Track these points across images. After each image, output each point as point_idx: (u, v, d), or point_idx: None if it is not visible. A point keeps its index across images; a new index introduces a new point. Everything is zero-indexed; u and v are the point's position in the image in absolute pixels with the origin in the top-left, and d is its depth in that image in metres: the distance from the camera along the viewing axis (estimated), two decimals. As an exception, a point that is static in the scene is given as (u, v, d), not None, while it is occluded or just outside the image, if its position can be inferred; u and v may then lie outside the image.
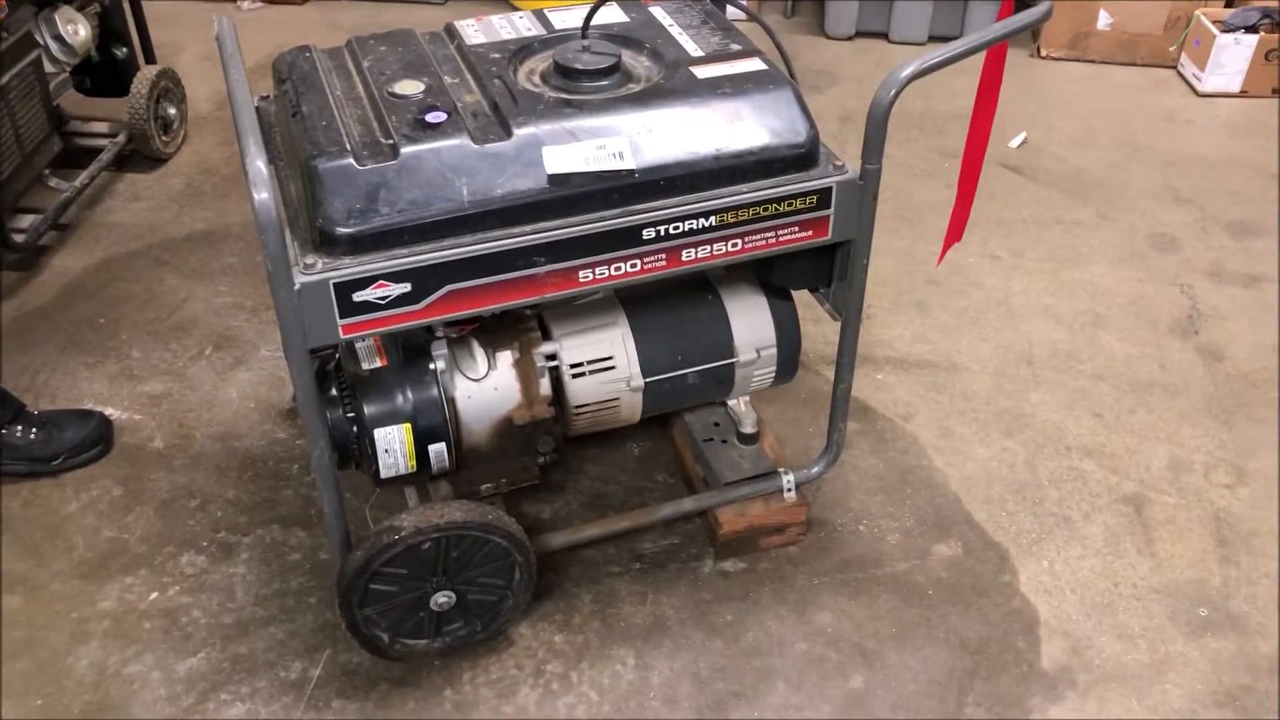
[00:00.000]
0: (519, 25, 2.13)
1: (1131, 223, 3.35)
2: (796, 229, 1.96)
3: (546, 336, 2.16)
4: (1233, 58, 3.86)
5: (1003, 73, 2.23)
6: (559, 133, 1.83)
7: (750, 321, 2.22)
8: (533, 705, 2.06)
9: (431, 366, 2.06)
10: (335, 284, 1.73)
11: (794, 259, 2.04)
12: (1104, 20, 4.04)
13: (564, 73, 1.95)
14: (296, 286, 1.70)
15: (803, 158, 1.93)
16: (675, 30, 2.10)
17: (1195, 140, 3.77)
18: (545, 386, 2.13)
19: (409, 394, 2.05)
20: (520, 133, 1.81)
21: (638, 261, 1.89)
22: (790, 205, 1.93)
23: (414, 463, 2.09)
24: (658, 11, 2.17)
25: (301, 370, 1.79)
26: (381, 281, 1.76)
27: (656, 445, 2.58)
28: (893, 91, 1.86)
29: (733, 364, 2.23)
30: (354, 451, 2.08)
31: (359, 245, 1.74)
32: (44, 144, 3.20)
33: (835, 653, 2.15)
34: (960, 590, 2.27)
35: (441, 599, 2.05)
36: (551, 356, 2.13)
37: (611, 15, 2.15)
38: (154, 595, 2.25)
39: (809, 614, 2.22)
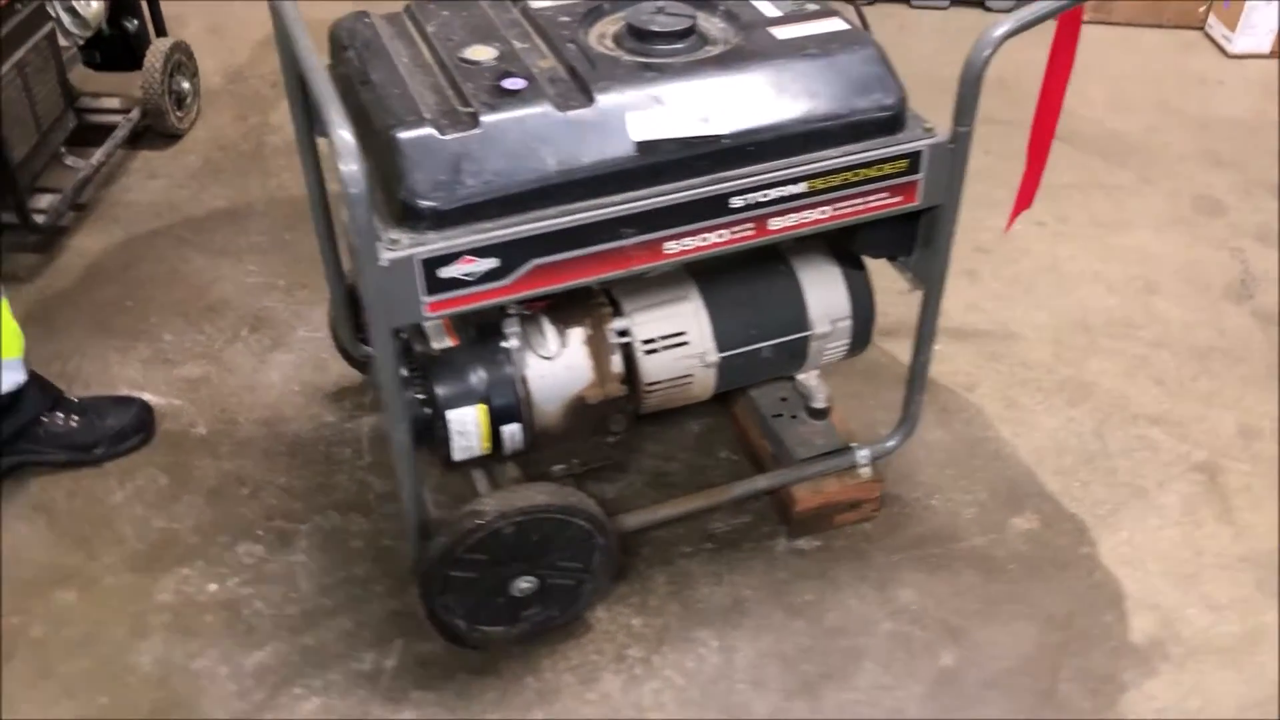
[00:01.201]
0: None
1: (1173, 186, 3.30)
2: (886, 194, 1.89)
3: (617, 312, 2.08)
4: (1264, 18, 3.81)
5: (1078, 35, 2.16)
6: (643, 98, 1.75)
7: (824, 292, 2.16)
8: (617, 691, 2.00)
9: (505, 345, 1.99)
10: (422, 260, 1.65)
11: (876, 226, 1.97)
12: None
13: (639, 35, 1.87)
14: (383, 263, 1.62)
15: (891, 120, 1.86)
16: (757, -11, 2.02)
17: (1229, 102, 3.72)
18: (617, 363, 2.06)
19: (483, 374, 1.97)
20: (603, 99, 1.73)
21: (725, 231, 1.82)
22: (880, 170, 1.86)
23: (488, 444, 2.02)
24: (728, -29, 2.08)
25: (385, 351, 1.71)
26: (468, 257, 1.68)
27: (716, 422, 2.52)
28: (986, 52, 1.80)
29: (807, 337, 2.16)
30: (425, 434, 2.01)
31: (444, 219, 1.66)
32: (59, 121, 3.08)
33: (921, 630, 2.10)
34: (1041, 564, 2.22)
35: (524, 584, 1.98)
36: (624, 333, 2.06)
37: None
38: (213, 587, 2.17)
39: (890, 591, 2.17)
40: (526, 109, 1.71)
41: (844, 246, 2.16)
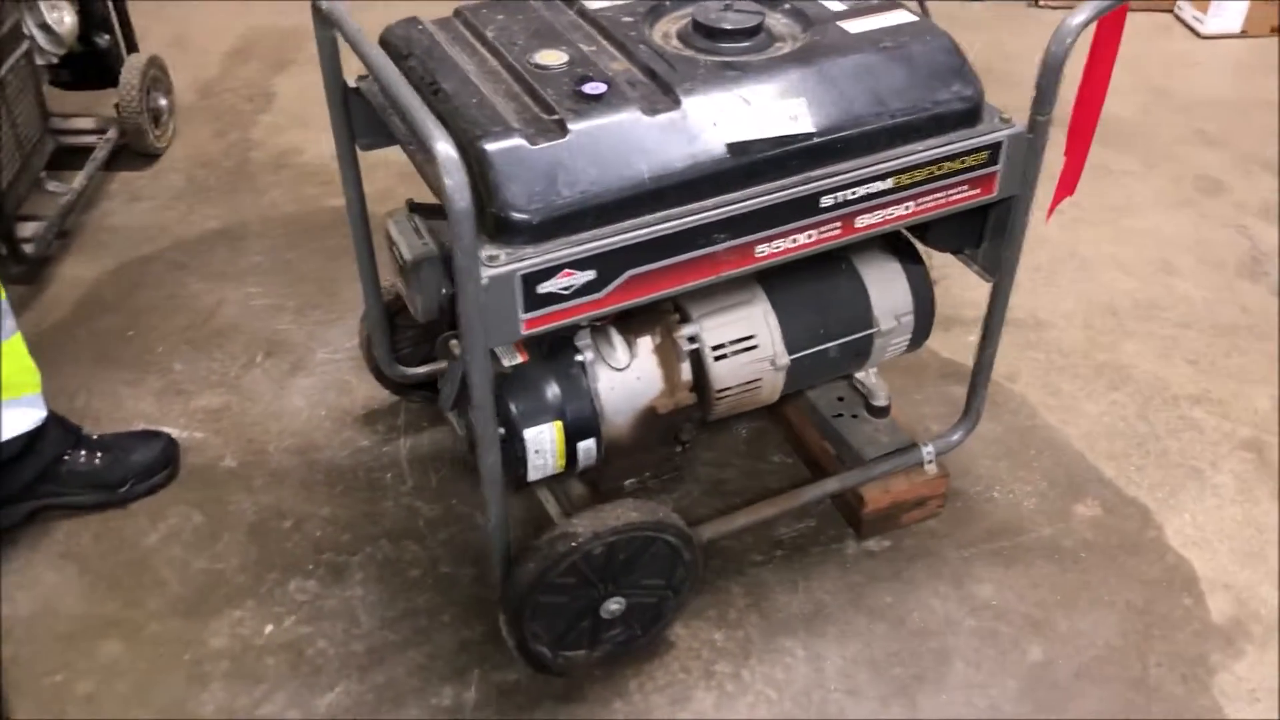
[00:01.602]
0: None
1: (1173, 169, 3.33)
2: (966, 187, 1.86)
3: (684, 319, 2.02)
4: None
5: (1124, 20, 2.15)
6: (730, 99, 1.70)
7: (887, 289, 2.12)
8: (710, 708, 1.95)
9: (578, 358, 1.92)
10: (522, 276, 1.58)
11: (947, 220, 1.94)
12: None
13: (708, 33, 1.81)
14: (484, 282, 1.54)
15: (971, 112, 1.83)
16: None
17: (1207, 82, 3.78)
18: (686, 371, 2.00)
19: (556, 389, 1.90)
20: (689, 101, 1.67)
21: (814, 231, 1.78)
22: (962, 163, 1.83)
23: (563, 462, 1.95)
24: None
25: (482, 372, 1.63)
26: (567, 270, 1.61)
27: (763, 426, 2.47)
28: (1069, 40, 1.77)
29: (872, 335, 2.12)
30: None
31: (541, 232, 1.59)
32: (39, 144, 2.92)
33: (1005, 626, 2.08)
34: (1111, 550, 2.22)
35: (613, 605, 1.92)
36: (692, 339, 2.00)
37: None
38: (269, 628, 2.06)
39: (968, 588, 2.15)
40: (615, 114, 1.64)
41: (902, 241, 2.13)
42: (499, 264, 1.56)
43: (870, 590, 2.14)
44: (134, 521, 2.25)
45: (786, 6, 1.91)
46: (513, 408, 1.88)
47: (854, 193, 1.76)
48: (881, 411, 2.28)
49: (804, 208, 1.73)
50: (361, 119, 1.99)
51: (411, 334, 2.40)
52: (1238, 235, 3.06)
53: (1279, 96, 3.66)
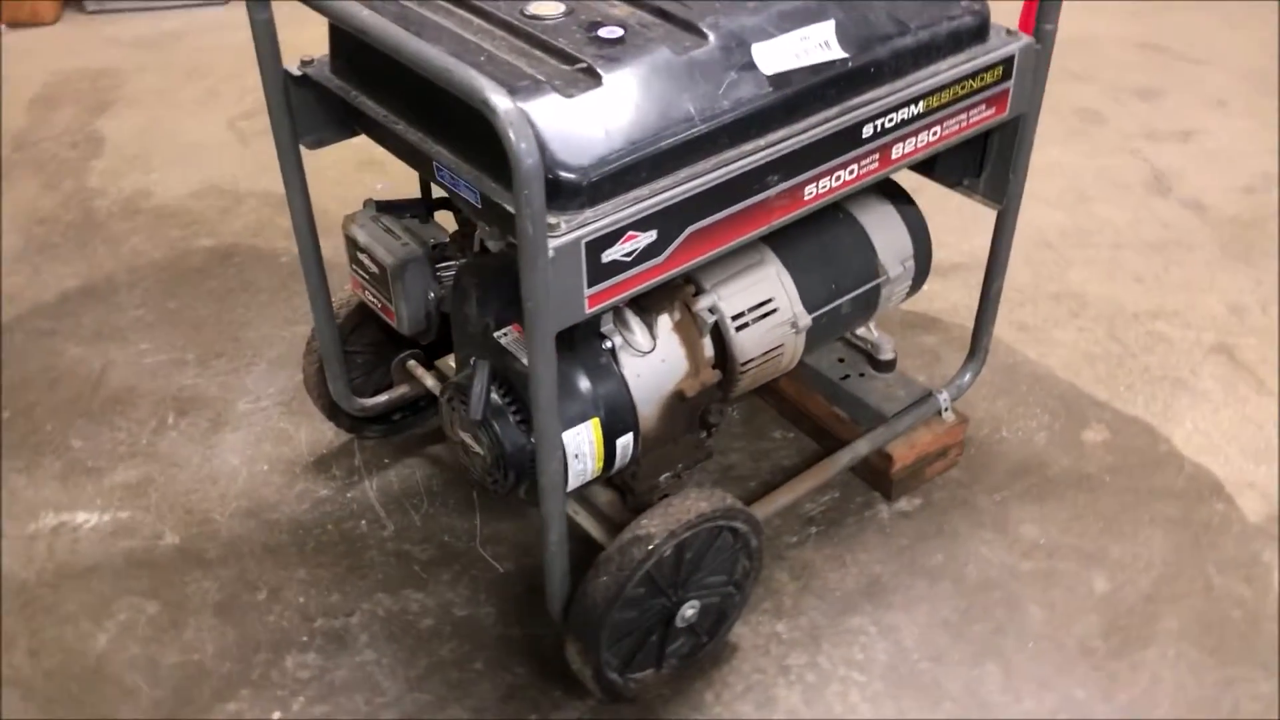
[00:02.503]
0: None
1: (1051, 103, 3.38)
2: (983, 106, 1.77)
3: (698, 291, 1.85)
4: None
5: None
6: (754, 29, 1.55)
7: (888, 234, 2.01)
8: (801, 705, 1.77)
9: (606, 346, 1.72)
10: (587, 243, 1.37)
11: (952, 149, 1.85)
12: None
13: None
14: (550, 254, 1.33)
15: (982, 26, 1.74)
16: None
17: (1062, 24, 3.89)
18: (708, 347, 1.84)
19: (588, 383, 1.69)
20: (716, 35, 1.51)
21: (855, 166, 1.64)
22: (982, 80, 1.74)
23: (600, 464, 1.74)
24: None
25: (546, 363, 1.41)
26: (631, 233, 1.41)
27: (751, 405, 2.32)
28: (1073, -62, 1.71)
29: (879, 283, 2.01)
30: (530, 467, 1.70)
31: (598, 192, 1.39)
32: None
33: (1062, 562, 2.00)
34: (1131, 470, 2.18)
35: (688, 612, 1.72)
36: (712, 310, 1.83)
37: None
38: (277, 715, 1.75)
39: (1011, 531, 2.06)
40: (646, 56, 1.46)
41: (891, 184, 2.03)
42: (560, 233, 1.35)
43: (918, 551, 2.02)
44: (72, 627, 1.89)
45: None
46: (545, 410, 1.66)
47: (891, 120, 1.63)
48: (889, 365, 2.17)
49: (847, 140, 1.60)
50: (306, 112, 1.73)
51: (362, 361, 2.12)
52: (1133, 158, 3.13)
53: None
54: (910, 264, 2.04)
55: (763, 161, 1.50)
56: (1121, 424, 2.28)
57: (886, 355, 2.16)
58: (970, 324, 2.50)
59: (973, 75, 1.71)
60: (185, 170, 3.08)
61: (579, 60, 1.45)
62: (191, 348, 2.48)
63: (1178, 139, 3.21)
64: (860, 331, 2.17)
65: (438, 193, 1.98)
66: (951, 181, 2.00)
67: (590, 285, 1.41)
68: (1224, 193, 2.98)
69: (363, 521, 2.08)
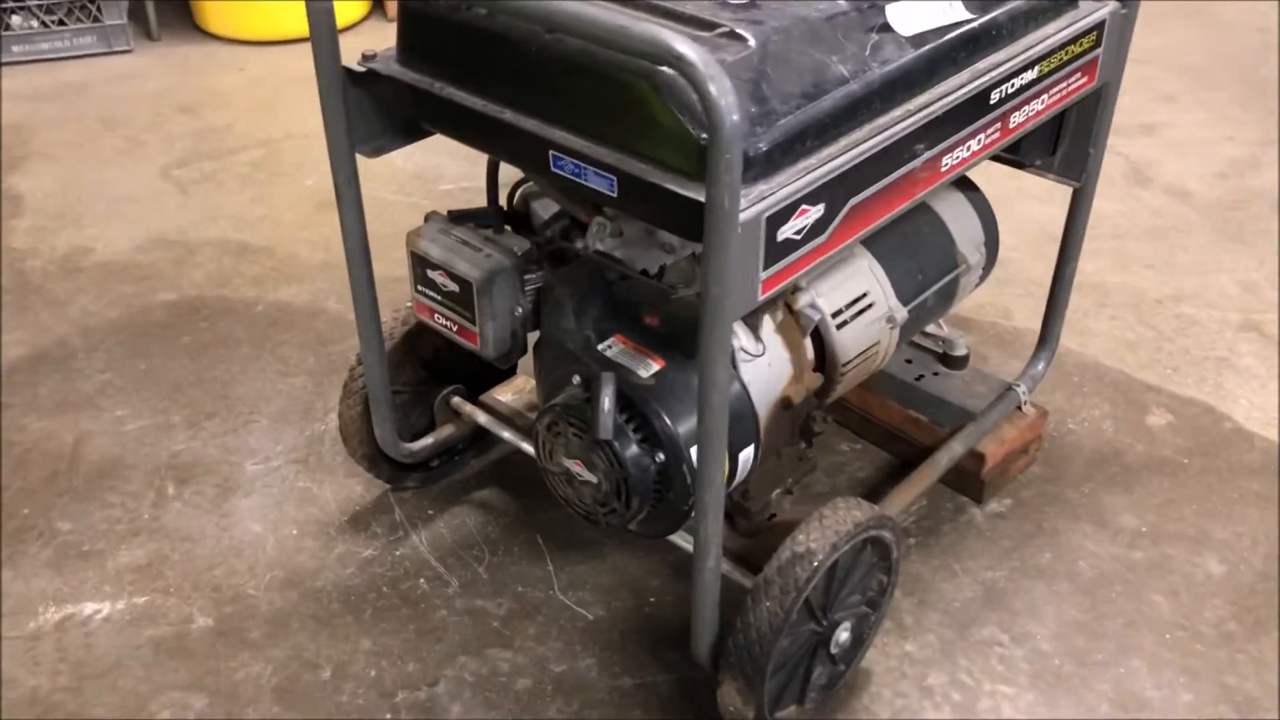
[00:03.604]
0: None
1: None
2: (1078, 75, 1.70)
3: (795, 288, 1.71)
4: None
5: None
6: (882, -11, 1.44)
7: (963, 222, 1.92)
8: (956, 727, 1.63)
9: (724, 350, 1.56)
10: (767, 219, 1.22)
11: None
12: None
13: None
14: (739, 229, 1.17)
15: (1074, -10, 1.68)
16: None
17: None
18: (809, 349, 1.70)
19: (711, 392, 1.53)
20: (845, -1, 1.40)
21: (981, 136, 1.55)
22: (1080, 45, 1.67)
23: (725, 480, 1.57)
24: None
25: (721, 361, 1.25)
26: (803, 207, 1.27)
27: (806, 417, 2.18)
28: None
29: (959, 273, 1.91)
30: (655, 493, 1.52)
31: (770, 162, 1.26)
32: None
33: (1170, 548, 1.92)
34: (1206, 450, 2.12)
35: (842, 636, 1.56)
36: (813, 308, 1.69)
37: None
38: (380, 809, 1.52)
39: (1110, 522, 1.97)
40: (787, 16, 1.33)
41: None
42: (741, 208, 1.20)
43: (1025, 552, 1.91)
44: (107, 734, 1.61)
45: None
46: (670, 424, 1.49)
47: (1012, 85, 1.55)
48: (962, 361, 2.07)
49: (978, 106, 1.50)
50: (363, 116, 1.53)
51: (400, 402, 1.90)
52: (1108, 152, 3.13)
53: None
54: (984, 250, 1.96)
55: (913, 128, 1.39)
56: (1180, 406, 2.23)
57: (960, 351, 2.07)
58: (1003, 320, 2.47)
59: (1073, 40, 1.64)
60: (123, 224, 2.80)
61: (717, 25, 1.31)
62: (176, 410, 2.21)
63: (1142, 132, 3.25)
64: (932, 330, 2.07)
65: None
66: (1026, 162, 1.92)
67: (765, 267, 1.26)
68: (1201, 179, 3.01)
69: (421, 580, 1.85)
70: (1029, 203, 2.87)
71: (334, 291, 2.54)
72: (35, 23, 3.61)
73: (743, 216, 1.19)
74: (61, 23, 3.63)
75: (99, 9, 3.64)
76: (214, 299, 2.53)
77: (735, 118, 1.09)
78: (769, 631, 1.42)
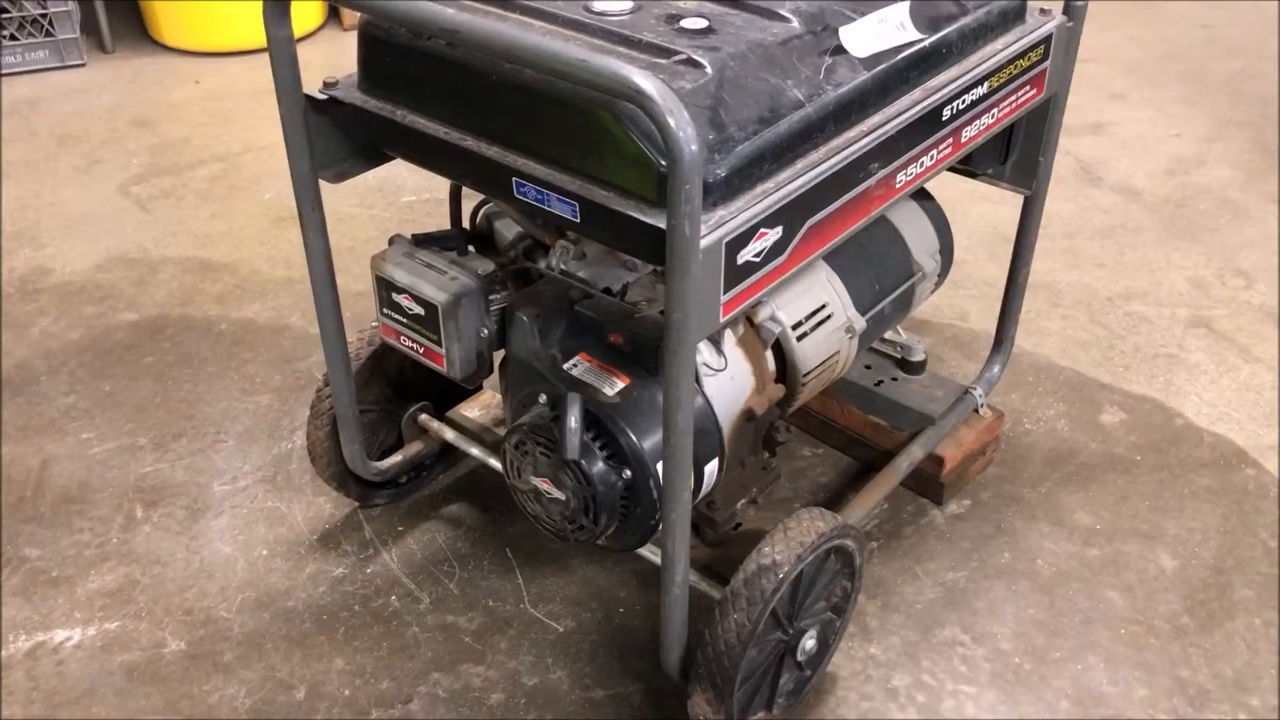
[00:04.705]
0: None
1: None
2: (1027, 87, 1.74)
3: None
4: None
5: None
6: (832, 12, 1.47)
7: (915, 229, 1.96)
8: (921, 727, 1.67)
9: (686, 366, 1.59)
10: (727, 244, 1.25)
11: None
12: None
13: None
14: (699, 255, 1.20)
15: (1022, 6, 1.72)
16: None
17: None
18: (771, 360, 1.74)
19: (675, 408, 1.56)
20: (798, 19, 1.43)
21: (934, 152, 1.59)
22: (1029, 59, 1.71)
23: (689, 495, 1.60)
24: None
25: (686, 382, 1.28)
26: (762, 230, 1.30)
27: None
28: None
29: (915, 280, 1.95)
30: (623, 509, 1.55)
31: (730, 187, 1.29)
32: None
33: (1124, 545, 1.97)
34: (1158, 446, 2.18)
35: (809, 644, 1.60)
36: (774, 320, 1.73)
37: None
38: (358, 827, 1.54)
39: (1067, 521, 2.02)
40: (743, 42, 1.36)
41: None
42: (702, 234, 1.22)
43: (985, 553, 1.96)
44: (82, 761, 1.62)
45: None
46: (636, 441, 1.52)
47: (964, 101, 1.58)
48: (920, 366, 2.11)
49: (930, 123, 1.54)
50: (326, 141, 1.55)
51: (368, 421, 1.92)
52: (1057, 152, 3.19)
53: None
54: (939, 258, 2.00)
55: (868, 147, 1.42)
56: (1133, 403, 2.29)
57: (918, 356, 2.11)
58: (959, 322, 2.52)
59: (1022, 54, 1.68)
60: (82, 243, 2.78)
61: (674, 52, 1.34)
62: (142, 432, 2.21)
63: (1091, 131, 3.31)
64: (891, 336, 2.11)
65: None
66: (978, 171, 1.96)
67: (726, 290, 1.29)
68: (1149, 177, 3.08)
69: (392, 597, 1.87)
70: (982, 205, 2.92)
71: (298, 307, 2.54)
72: (-14, 38, 3.58)
73: (703, 243, 1.22)
74: (13, 38, 3.60)
75: (51, 23, 3.61)
76: (177, 317, 2.53)
77: (694, 148, 1.11)
78: (737, 643, 1.45)
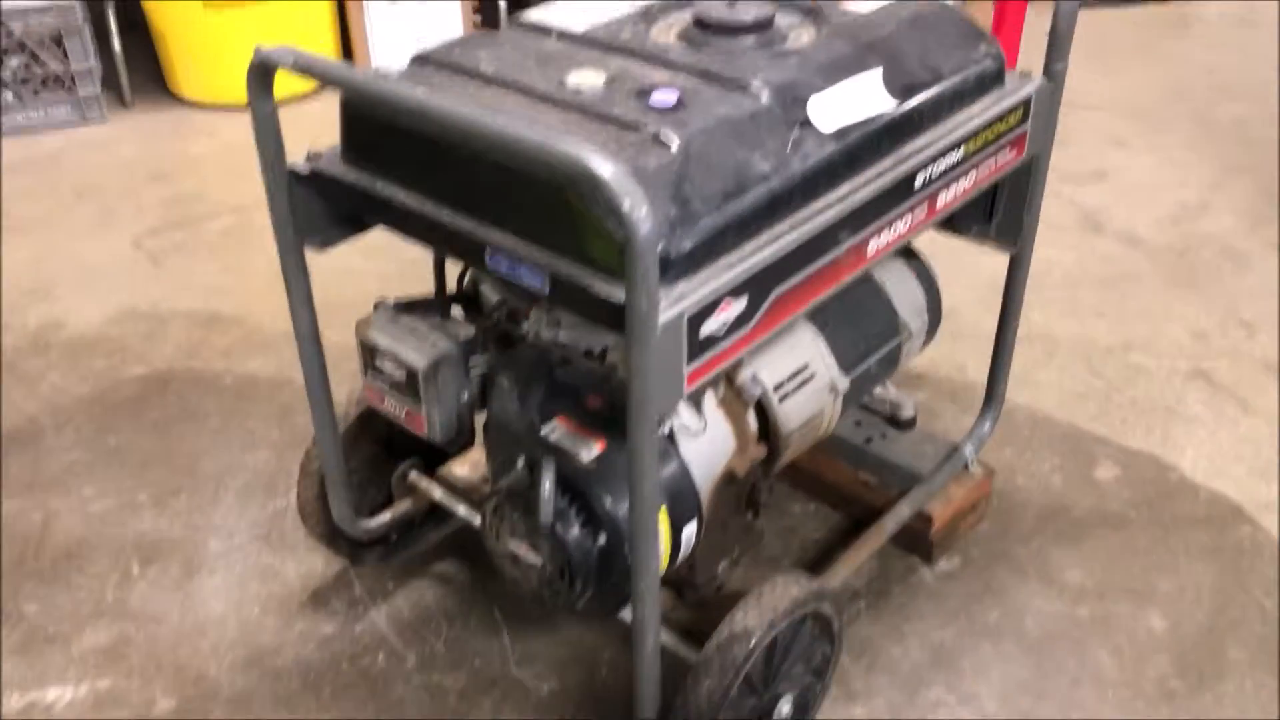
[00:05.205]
0: (596, 5, 1.71)
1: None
2: (1007, 149, 1.76)
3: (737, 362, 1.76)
4: None
5: None
6: (802, 83, 1.49)
7: (903, 288, 1.98)
8: (904, 793, 1.67)
9: (663, 430, 1.60)
10: (689, 318, 1.27)
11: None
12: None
13: (725, 30, 1.58)
14: (657, 331, 1.22)
15: (1000, 69, 1.73)
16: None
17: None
18: (753, 421, 1.75)
19: (652, 473, 1.57)
20: (769, 94, 1.45)
21: (909, 217, 1.60)
22: (1006, 123, 1.72)
23: (668, 557, 1.62)
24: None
25: (649, 453, 1.29)
26: (726, 301, 1.32)
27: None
28: (1079, -15, 1.72)
29: (900, 339, 1.96)
30: (598, 575, 1.56)
31: (692, 262, 1.31)
32: None
33: (1115, 604, 1.96)
34: (1153, 503, 2.17)
35: (785, 709, 1.60)
36: (754, 381, 1.74)
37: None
38: None
39: (1057, 579, 2.01)
40: (710, 117, 1.39)
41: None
42: (662, 309, 1.24)
43: (973, 612, 1.95)
44: (69, 821, 1.64)
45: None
46: (611, 507, 1.54)
47: (938, 167, 1.60)
48: (910, 424, 2.12)
49: (902, 191, 1.55)
50: (310, 210, 1.58)
51: (357, 480, 1.94)
52: (1059, 200, 3.20)
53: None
54: (925, 316, 2.01)
55: (836, 218, 1.44)
56: (1128, 458, 2.28)
57: (908, 413, 2.11)
58: (956, 375, 2.52)
59: (1000, 118, 1.69)
60: (95, 296, 2.84)
61: (642, 128, 1.36)
62: (143, 488, 2.24)
63: (1094, 179, 3.31)
64: (880, 393, 2.12)
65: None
66: (963, 230, 1.98)
67: (689, 362, 1.30)
68: (1152, 225, 3.07)
69: (380, 656, 1.89)
70: (980, 255, 2.88)
71: (300, 361, 2.57)
72: (11, 96, 3.67)
73: (663, 318, 1.23)
74: (36, 94, 3.69)
75: (73, 80, 3.70)
76: (183, 371, 2.58)
77: (647, 229, 1.14)
78: (708, 709, 1.46)
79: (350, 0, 3.91)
